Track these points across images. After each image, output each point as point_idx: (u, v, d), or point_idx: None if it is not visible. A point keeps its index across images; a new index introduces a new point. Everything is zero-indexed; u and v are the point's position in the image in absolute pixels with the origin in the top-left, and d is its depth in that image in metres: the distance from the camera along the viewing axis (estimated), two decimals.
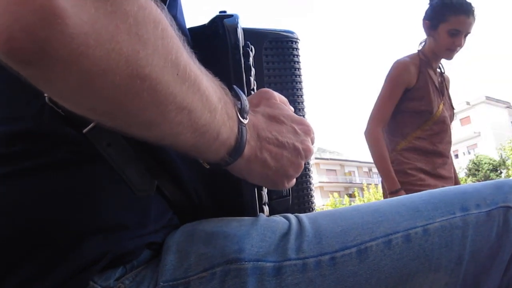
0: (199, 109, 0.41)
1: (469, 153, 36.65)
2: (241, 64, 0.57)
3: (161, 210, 0.51)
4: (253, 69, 0.58)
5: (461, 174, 30.77)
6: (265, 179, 0.52)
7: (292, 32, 0.69)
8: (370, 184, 32.29)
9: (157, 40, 0.35)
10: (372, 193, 29.69)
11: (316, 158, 39.04)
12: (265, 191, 0.59)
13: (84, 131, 0.44)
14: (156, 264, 0.47)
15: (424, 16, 2.13)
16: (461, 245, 0.52)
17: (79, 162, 0.45)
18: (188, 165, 0.52)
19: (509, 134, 32.19)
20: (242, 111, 0.47)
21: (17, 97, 0.45)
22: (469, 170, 30.12)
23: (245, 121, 0.48)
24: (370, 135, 2.09)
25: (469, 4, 2.00)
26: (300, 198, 0.68)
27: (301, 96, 0.69)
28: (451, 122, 2.19)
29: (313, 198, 0.71)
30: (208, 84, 0.43)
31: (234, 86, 0.50)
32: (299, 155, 0.53)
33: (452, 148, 2.22)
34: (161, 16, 0.37)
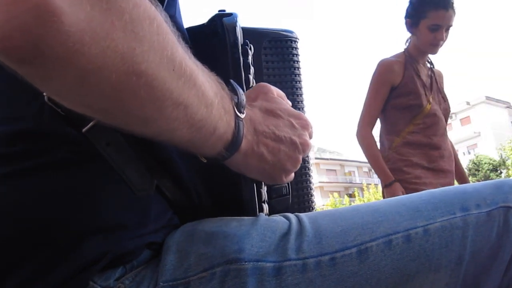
0: (196, 104, 0.41)
1: (469, 153, 36.66)
2: (240, 63, 0.57)
3: (161, 210, 0.51)
4: (252, 68, 0.58)
5: None
6: (262, 173, 0.52)
7: (291, 32, 0.69)
8: (370, 184, 32.32)
9: (152, 36, 0.35)
10: (372, 193, 29.72)
11: (316, 158, 39.06)
12: (264, 189, 0.59)
13: (84, 130, 0.44)
14: (156, 264, 0.47)
15: (405, 15, 2.18)
16: (461, 245, 0.51)
17: (79, 162, 0.45)
18: (188, 165, 0.52)
19: (509, 134, 32.20)
20: (239, 106, 0.47)
21: (17, 97, 0.45)
22: (469, 170, 30.12)
23: (242, 116, 0.48)
24: (360, 136, 2.14)
25: None
26: (300, 197, 0.68)
27: (301, 95, 0.69)
28: (447, 114, 2.23)
29: (313, 197, 0.71)
30: (204, 79, 0.43)
31: (231, 80, 0.50)
32: (296, 149, 0.53)
33: None
34: (156, 12, 0.37)
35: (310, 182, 0.70)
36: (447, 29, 2.07)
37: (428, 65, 2.22)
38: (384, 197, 2.06)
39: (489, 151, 32.93)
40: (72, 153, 0.44)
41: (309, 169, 0.70)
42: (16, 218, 0.42)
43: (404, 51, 2.20)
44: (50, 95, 0.39)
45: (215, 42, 0.57)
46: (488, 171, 29.09)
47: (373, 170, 2.17)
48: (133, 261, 0.46)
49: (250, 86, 0.58)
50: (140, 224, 0.46)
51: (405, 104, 2.08)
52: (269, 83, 0.58)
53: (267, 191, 0.60)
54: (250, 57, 0.58)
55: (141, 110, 0.37)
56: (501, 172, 28.96)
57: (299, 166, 0.54)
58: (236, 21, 0.57)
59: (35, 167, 0.43)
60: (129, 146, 0.46)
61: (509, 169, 28.17)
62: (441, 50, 2.11)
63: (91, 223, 0.43)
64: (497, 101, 38.62)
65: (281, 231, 0.49)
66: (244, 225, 0.49)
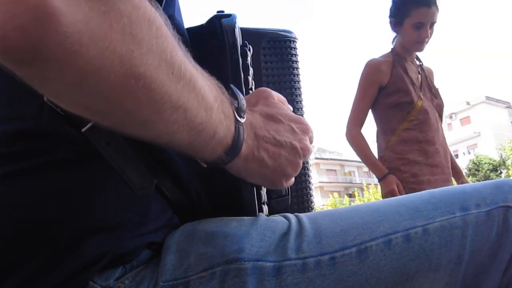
0: (195, 107, 0.41)
1: (469, 153, 36.60)
2: (239, 64, 0.57)
3: (160, 210, 0.51)
4: (251, 69, 0.58)
5: None
6: (263, 178, 0.52)
7: (290, 32, 0.69)
8: (370, 184, 32.26)
9: (151, 39, 0.35)
10: (372, 193, 29.68)
11: (316, 158, 39.03)
12: (264, 190, 0.59)
13: (83, 130, 0.44)
14: (156, 264, 0.47)
15: (389, 15, 2.19)
16: (461, 245, 0.51)
17: (79, 162, 0.45)
18: (188, 165, 0.52)
19: (509, 134, 32.18)
20: (239, 110, 0.47)
21: (17, 96, 0.45)
22: (469, 170, 30.10)
23: (242, 120, 0.48)
24: (350, 136, 2.16)
25: None
26: (299, 198, 0.68)
27: (300, 95, 0.69)
28: (441, 110, 2.24)
29: (312, 198, 0.71)
30: (204, 83, 0.43)
31: (231, 85, 0.50)
32: (297, 154, 0.53)
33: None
34: (156, 15, 0.37)
35: (309, 183, 0.70)
36: (431, 26, 2.09)
37: (417, 62, 2.24)
38: (381, 191, 2.08)
39: (489, 151, 32.90)
40: (72, 152, 0.44)
41: (308, 170, 0.70)
42: (16, 218, 0.42)
43: (391, 51, 2.22)
44: (48, 96, 0.39)
45: (214, 43, 0.57)
46: (488, 171, 29.06)
47: None
48: (133, 261, 0.46)
49: (249, 87, 0.58)
50: (140, 224, 0.46)
51: (396, 102, 2.09)
52: (268, 83, 0.58)
53: (266, 192, 0.60)
54: (249, 58, 0.58)
55: (139, 112, 0.37)
56: (501, 172, 28.94)
57: (299, 170, 0.54)
58: (235, 22, 0.58)
59: (35, 167, 0.43)
60: (129, 145, 0.46)
61: (509, 169, 28.14)
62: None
63: (91, 223, 0.43)
64: (497, 101, 38.59)
65: (281, 231, 0.49)
66: (244, 225, 0.49)
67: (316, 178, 36.44)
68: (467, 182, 2.47)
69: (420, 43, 2.11)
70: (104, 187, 0.45)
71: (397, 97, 2.09)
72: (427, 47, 2.14)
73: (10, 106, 0.46)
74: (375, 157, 2.12)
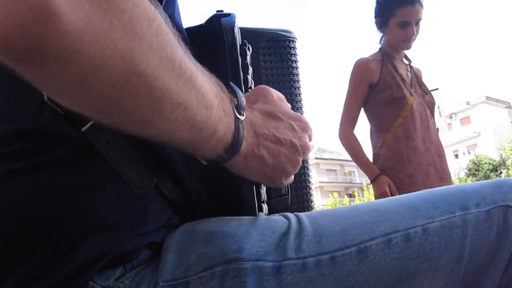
0: (195, 105, 0.41)
1: (469, 153, 36.59)
2: (238, 63, 0.57)
3: (160, 209, 0.51)
4: (250, 68, 0.59)
5: (461, 174, 30.78)
6: (262, 176, 0.52)
7: (289, 32, 0.69)
8: (370, 184, 32.23)
9: (151, 37, 0.35)
10: (372, 193, 29.57)
11: (316, 158, 39.03)
12: (264, 189, 0.59)
13: (83, 129, 0.44)
14: (156, 263, 0.47)
15: (374, 15, 2.20)
16: (460, 244, 0.51)
17: (79, 161, 0.45)
18: (188, 164, 0.52)
19: (509, 134, 32.17)
20: (239, 108, 0.47)
21: (17, 96, 0.45)
22: (469, 170, 30.10)
23: (242, 118, 0.48)
24: (342, 136, 2.17)
25: None
26: (299, 197, 0.68)
27: (299, 95, 0.69)
28: (432, 106, 2.24)
29: (312, 197, 0.71)
30: (204, 80, 0.43)
31: (231, 83, 0.50)
32: (296, 151, 0.53)
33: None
34: (155, 13, 0.37)
35: (309, 182, 0.70)
36: (417, 23, 2.10)
37: (406, 61, 2.24)
38: (374, 193, 2.08)
39: (489, 151, 32.89)
40: (72, 152, 0.44)
41: (308, 169, 0.70)
42: (16, 218, 0.42)
43: (379, 50, 2.23)
44: (49, 94, 0.39)
45: (213, 42, 0.57)
46: (488, 171, 29.06)
47: None
48: (133, 261, 0.46)
49: (249, 86, 0.58)
50: (140, 224, 0.46)
51: (388, 98, 2.09)
52: (267, 83, 0.58)
53: (266, 191, 0.60)
54: (248, 57, 0.59)
55: (140, 110, 0.37)
56: (501, 172, 28.93)
57: (299, 168, 0.54)
58: (234, 22, 0.58)
59: (35, 167, 0.43)
60: (129, 145, 0.46)
61: (509, 169, 28.14)
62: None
63: (91, 223, 0.43)
64: (497, 101, 38.59)
65: (281, 230, 0.49)
66: (244, 224, 0.49)
67: (316, 178, 36.43)
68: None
69: (407, 41, 2.12)
70: (104, 186, 0.45)
71: (389, 93, 2.09)
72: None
73: (10, 105, 0.46)
74: (367, 158, 2.12)
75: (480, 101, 37.46)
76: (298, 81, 0.69)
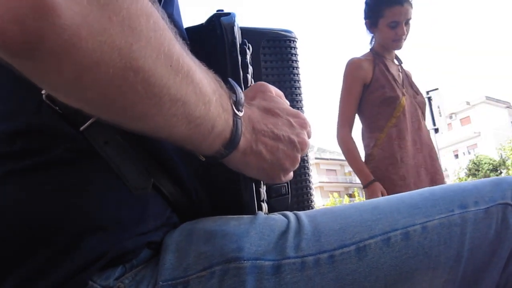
0: (193, 101, 0.41)
1: (469, 153, 36.59)
2: (238, 62, 0.57)
3: (159, 209, 0.50)
4: (250, 67, 0.59)
5: (461, 174, 30.80)
6: (261, 172, 0.52)
7: (290, 31, 0.69)
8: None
9: (149, 32, 0.35)
10: None
11: (316, 158, 39.04)
12: (263, 189, 0.59)
13: (81, 128, 0.44)
14: (156, 263, 0.47)
15: (364, 16, 2.21)
16: (459, 242, 0.51)
17: (78, 160, 0.45)
18: (187, 164, 0.52)
19: (509, 134, 32.17)
20: (237, 104, 0.48)
21: (15, 95, 0.45)
22: (469, 170, 30.11)
23: (240, 114, 0.48)
24: (339, 138, 2.16)
25: None
26: (299, 197, 0.68)
27: (299, 95, 0.69)
28: (423, 107, 2.25)
29: (312, 197, 0.71)
30: (202, 76, 0.43)
31: (229, 79, 0.50)
32: (294, 148, 0.53)
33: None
34: (153, 9, 0.37)
35: (309, 182, 0.70)
36: (407, 23, 2.10)
37: (396, 62, 2.25)
38: (365, 198, 2.07)
39: (489, 151, 32.90)
40: (72, 152, 0.44)
41: (308, 169, 0.70)
42: (16, 218, 0.42)
43: (370, 50, 2.23)
44: (47, 90, 0.39)
45: (213, 42, 0.57)
46: (488, 171, 29.07)
47: None
48: (133, 261, 0.46)
49: (249, 85, 0.58)
50: (140, 223, 0.46)
51: (382, 97, 2.10)
52: (267, 82, 0.58)
53: (266, 191, 0.60)
54: (248, 57, 0.59)
55: (138, 106, 0.37)
56: (501, 172, 28.94)
57: (297, 165, 0.54)
58: (234, 21, 0.58)
59: (35, 166, 0.43)
60: (128, 145, 0.46)
61: (509, 169, 28.15)
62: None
63: (91, 222, 0.43)
64: (497, 101, 38.58)
65: (280, 229, 0.49)
66: (243, 223, 0.49)
67: (316, 178, 36.43)
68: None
69: (397, 41, 2.12)
70: (103, 186, 0.45)
71: (382, 93, 2.09)
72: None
73: (9, 105, 0.46)
74: (362, 163, 2.11)
75: (480, 101, 37.46)
76: (298, 80, 0.69)
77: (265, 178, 0.55)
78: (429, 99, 5.19)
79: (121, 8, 0.33)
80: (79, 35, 0.31)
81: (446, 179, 2.28)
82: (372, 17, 2.15)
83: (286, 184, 0.63)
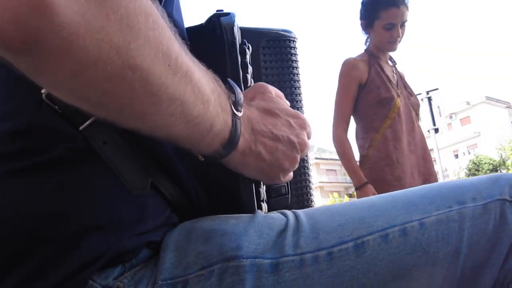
0: (192, 100, 0.41)
1: (469, 153, 36.57)
2: (238, 62, 0.57)
3: (159, 208, 0.51)
4: (250, 67, 0.59)
5: (461, 174, 30.78)
6: (260, 172, 0.52)
7: (290, 32, 0.69)
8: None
9: (148, 31, 0.35)
10: None
11: (316, 158, 39.03)
12: (263, 188, 0.59)
13: (81, 128, 0.44)
14: (155, 262, 0.47)
15: (359, 17, 2.21)
16: (458, 238, 0.52)
17: (78, 160, 0.45)
18: (187, 165, 0.52)
19: (509, 134, 32.17)
20: (236, 104, 0.48)
21: (15, 95, 0.45)
22: (469, 170, 30.09)
23: (239, 114, 0.48)
24: (335, 138, 2.16)
25: None
26: (299, 197, 0.68)
27: (299, 95, 0.69)
28: (418, 108, 2.26)
29: (312, 197, 0.71)
30: (201, 75, 0.43)
31: (228, 79, 0.50)
32: (294, 148, 0.53)
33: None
34: (152, 7, 0.37)
35: (309, 182, 0.70)
36: (402, 25, 2.11)
37: (391, 63, 2.25)
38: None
39: (489, 151, 32.88)
40: (72, 151, 0.44)
41: (308, 169, 0.70)
42: (16, 218, 0.42)
43: (365, 51, 2.24)
44: (46, 87, 0.39)
45: (213, 41, 0.57)
46: (488, 171, 29.04)
47: None
48: (132, 260, 0.46)
49: (248, 85, 0.59)
50: (139, 223, 0.46)
51: (377, 98, 2.10)
52: (267, 82, 0.58)
53: (266, 191, 0.60)
54: (248, 57, 0.59)
55: (136, 104, 0.37)
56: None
57: (297, 165, 0.54)
58: (234, 21, 0.58)
59: (35, 166, 0.43)
60: (127, 145, 0.46)
61: (509, 169, 28.12)
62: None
63: (91, 222, 0.43)
64: (497, 101, 38.56)
65: (279, 227, 0.49)
66: (242, 222, 0.49)
67: (316, 178, 36.43)
68: None
69: (392, 43, 2.13)
70: (103, 186, 0.45)
71: (378, 93, 2.09)
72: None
73: (8, 104, 0.46)
74: (357, 164, 2.11)
75: (480, 101, 37.44)
76: (298, 81, 0.69)
77: (265, 179, 0.55)
78: (429, 99, 5.18)
79: (119, 6, 0.33)
80: (77, 33, 0.31)
81: (446, 179, 2.27)
82: (368, 18, 2.15)
83: (286, 184, 0.63)
